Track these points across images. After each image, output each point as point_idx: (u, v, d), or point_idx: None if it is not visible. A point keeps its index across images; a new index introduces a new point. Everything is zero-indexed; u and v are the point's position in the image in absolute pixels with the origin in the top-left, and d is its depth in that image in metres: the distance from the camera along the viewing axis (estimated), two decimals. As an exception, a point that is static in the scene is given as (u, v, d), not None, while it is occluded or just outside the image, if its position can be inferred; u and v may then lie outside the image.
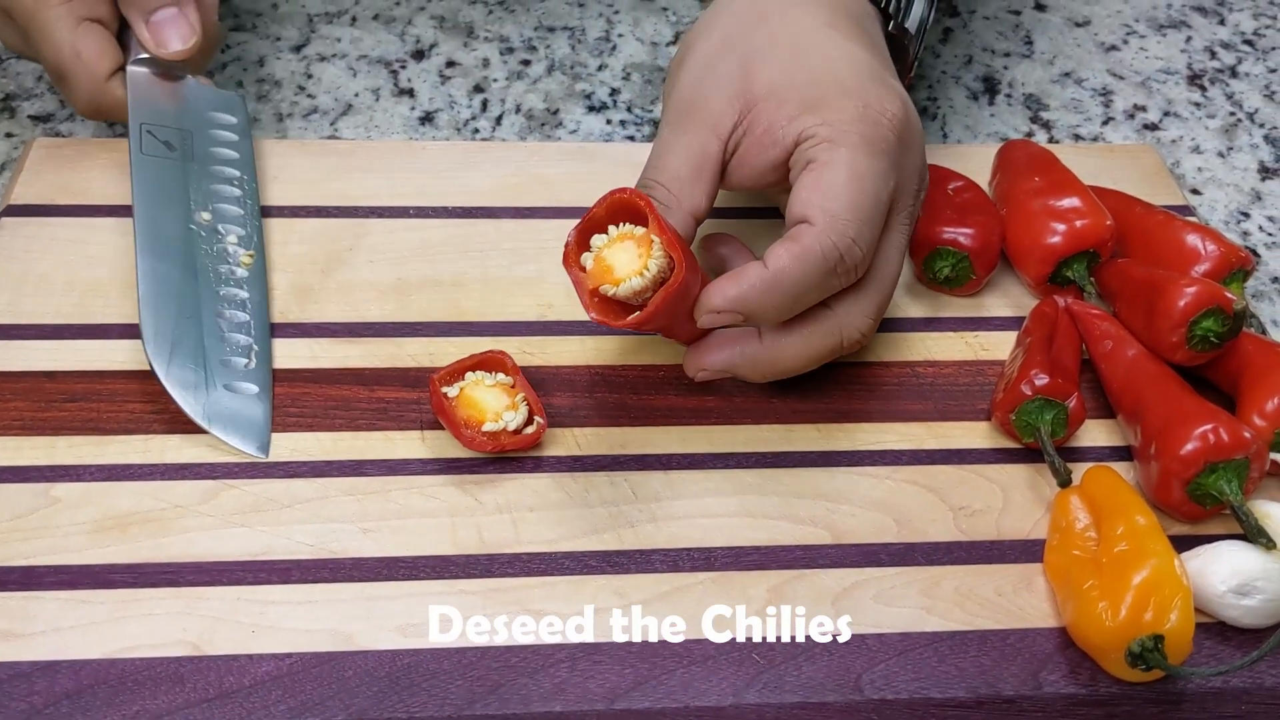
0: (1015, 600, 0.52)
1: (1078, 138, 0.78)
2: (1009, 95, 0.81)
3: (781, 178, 0.55)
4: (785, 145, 0.54)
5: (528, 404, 0.55)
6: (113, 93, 0.64)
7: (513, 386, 0.55)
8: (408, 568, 0.51)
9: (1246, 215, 0.74)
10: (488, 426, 0.54)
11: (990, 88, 0.81)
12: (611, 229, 0.51)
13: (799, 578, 0.52)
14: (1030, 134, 0.78)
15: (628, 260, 0.50)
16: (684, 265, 0.50)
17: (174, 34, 0.61)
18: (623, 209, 0.51)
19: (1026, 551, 0.53)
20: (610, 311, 0.51)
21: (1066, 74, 0.83)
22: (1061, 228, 0.60)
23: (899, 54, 0.63)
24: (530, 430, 0.54)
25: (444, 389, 0.55)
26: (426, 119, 0.75)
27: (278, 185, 0.66)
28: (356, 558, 0.51)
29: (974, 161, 0.68)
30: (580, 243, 0.53)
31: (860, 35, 0.58)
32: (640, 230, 0.51)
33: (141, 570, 0.50)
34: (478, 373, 0.55)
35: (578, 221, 0.53)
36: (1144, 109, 0.81)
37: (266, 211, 0.65)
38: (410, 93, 0.76)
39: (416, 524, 0.52)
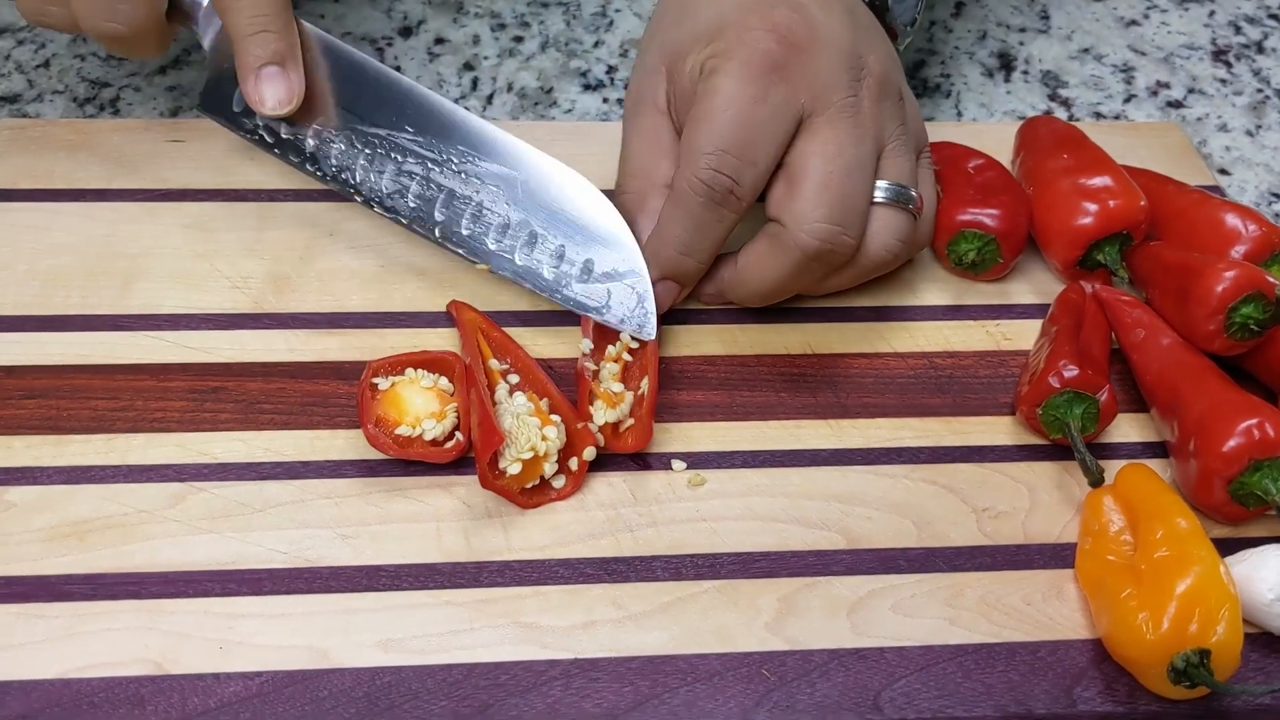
0: (1045, 610, 0.49)
1: (1099, 116, 0.75)
2: (1025, 72, 0.78)
3: None
4: (694, 88, 0.54)
5: (458, 417, 0.52)
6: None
7: (451, 395, 0.53)
8: (389, 577, 0.48)
9: (1278, 196, 0.70)
10: (401, 430, 0.51)
11: (1006, 64, 0.78)
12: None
13: (811, 586, 0.49)
14: (1049, 112, 0.75)
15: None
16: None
17: (270, 92, 0.57)
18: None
19: (1056, 556, 0.50)
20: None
21: (1085, 50, 0.80)
22: (1093, 208, 0.57)
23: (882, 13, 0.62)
24: (449, 445, 0.51)
25: (375, 379, 0.52)
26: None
27: (254, 167, 0.63)
28: (334, 567, 0.48)
29: (991, 141, 0.65)
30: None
31: None
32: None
33: (100, 581, 0.47)
34: (418, 371, 0.53)
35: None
36: (1167, 86, 0.77)
37: (242, 196, 0.62)
38: (397, 70, 0.71)
39: (399, 530, 0.50)
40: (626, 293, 0.54)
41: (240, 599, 0.47)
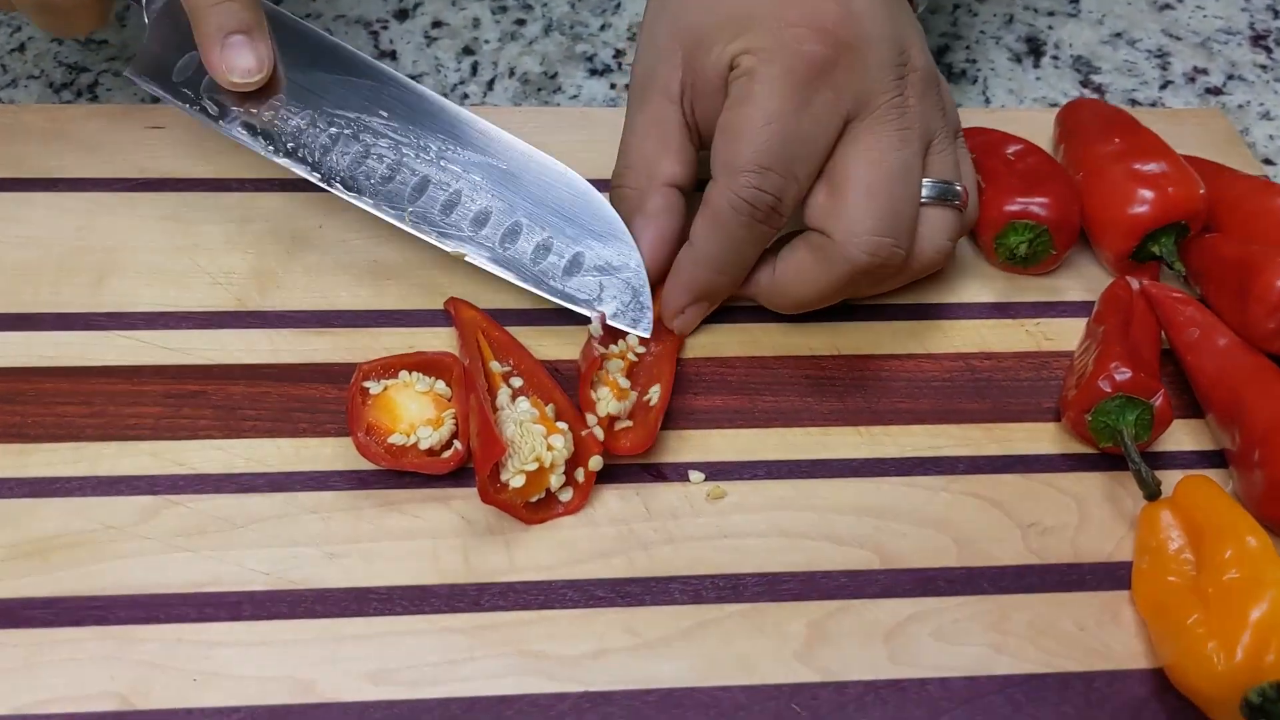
0: (1100, 636, 0.46)
1: (1134, 103, 0.72)
2: (1055, 57, 0.75)
3: None
4: (724, 83, 0.51)
5: (455, 424, 0.49)
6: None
7: (449, 400, 0.50)
8: (381, 600, 0.46)
9: (1327, 188, 0.67)
10: (394, 439, 0.49)
11: (1034, 49, 0.75)
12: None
13: (844, 610, 0.46)
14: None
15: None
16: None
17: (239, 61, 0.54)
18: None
19: (1110, 577, 0.48)
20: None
21: (1117, 34, 0.77)
22: (1149, 195, 0.54)
23: None
24: (446, 455, 0.49)
25: (366, 383, 0.50)
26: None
27: (238, 155, 0.60)
28: (320, 589, 0.46)
29: (1022, 128, 0.62)
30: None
31: None
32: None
33: (64, 605, 0.45)
34: (413, 374, 0.51)
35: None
36: (1205, 72, 0.74)
37: (225, 186, 0.59)
38: (393, 55, 0.70)
39: (392, 548, 0.47)
40: (620, 287, 0.52)
41: (217, 625, 0.44)
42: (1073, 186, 0.56)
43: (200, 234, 0.57)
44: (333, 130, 0.53)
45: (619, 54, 0.72)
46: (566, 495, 0.48)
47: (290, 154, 0.53)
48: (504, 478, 0.47)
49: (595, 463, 0.48)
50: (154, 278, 0.55)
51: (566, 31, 0.73)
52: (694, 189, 0.53)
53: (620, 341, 0.52)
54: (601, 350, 0.51)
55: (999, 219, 0.55)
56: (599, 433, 0.48)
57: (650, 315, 0.51)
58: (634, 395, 0.50)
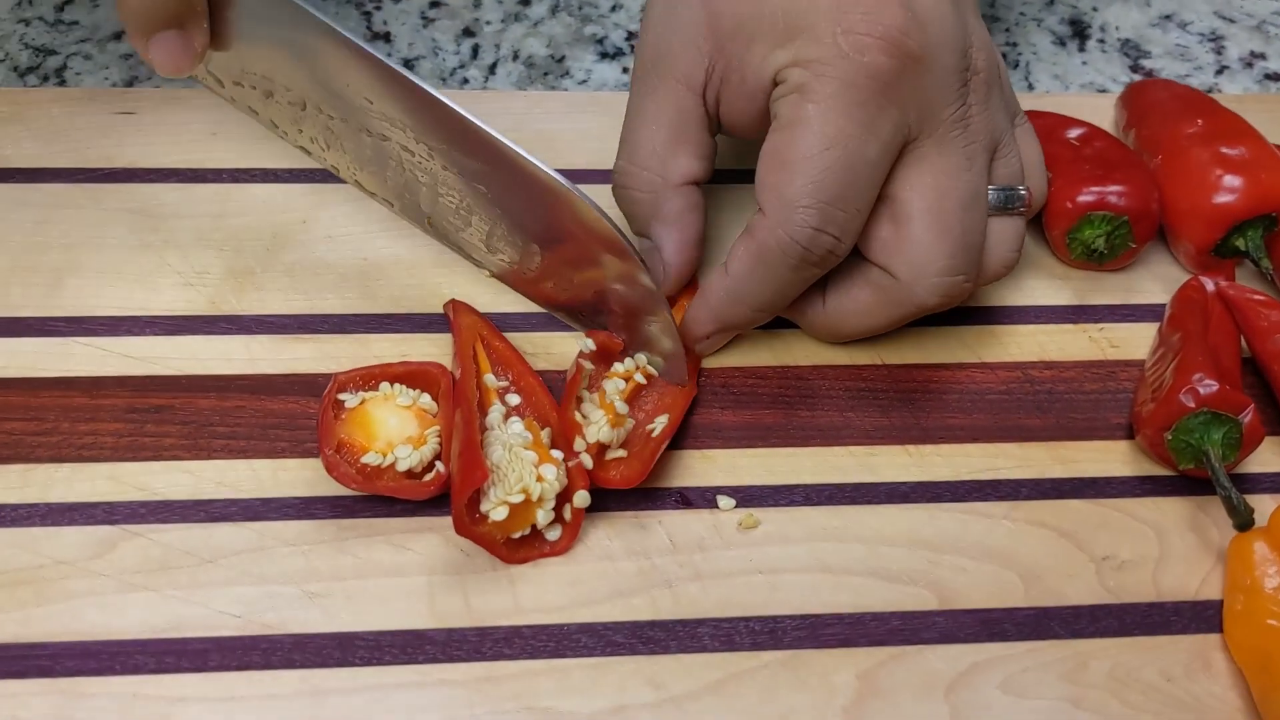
0: (1189, 687, 0.43)
1: (1189, 90, 0.68)
2: (1102, 40, 0.73)
3: None
4: (764, 91, 0.47)
5: (440, 444, 0.45)
6: None
7: (434, 416, 0.46)
8: (368, 648, 0.43)
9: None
10: (368, 458, 0.45)
11: (1079, 32, 0.73)
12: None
13: (898, 658, 0.43)
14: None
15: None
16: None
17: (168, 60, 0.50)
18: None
19: (1197, 618, 0.44)
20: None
21: (1167, 16, 0.75)
22: (1235, 183, 0.50)
23: None
24: (427, 478, 0.44)
25: (342, 395, 0.47)
26: (406, 68, 0.65)
27: (216, 143, 0.58)
28: (299, 634, 0.43)
29: (1071, 114, 0.59)
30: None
31: None
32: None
33: (3, 654, 0.42)
34: (394, 385, 0.47)
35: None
36: (1263, 57, 0.72)
37: (201, 176, 0.56)
38: (386, 37, 0.68)
39: (381, 586, 0.44)
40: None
41: (180, 677, 0.42)
42: (1149, 172, 0.53)
43: (170, 229, 0.55)
44: (338, 121, 0.49)
45: (630, 36, 0.69)
46: (554, 534, 0.44)
47: (292, 138, 0.50)
48: (484, 508, 0.43)
49: (581, 499, 0.44)
50: (118, 278, 0.53)
51: (575, 13, 0.70)
52: (711, 176, 0.50)
53: (628, 360, 0.48)
54: (590, 367, 0.47)
55: (1073, 211, 0.51)
56: (586, 460, 0.45)
57: (684, 364, 0.48)
58: (630, 423, 0.46)
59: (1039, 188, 0.50)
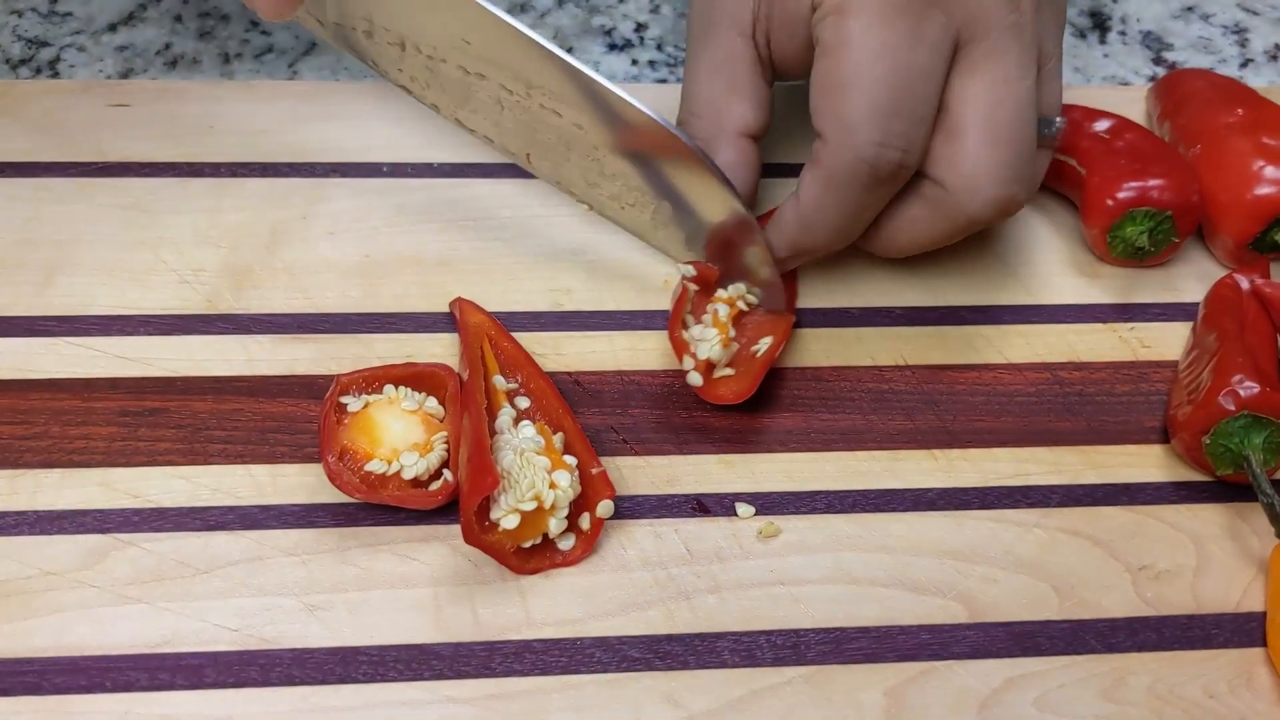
0: (1233, 704, 0.41)
1: (1214, 83, 0.66)
2: (1123, 32, 0.72)
3: None
4: (805, 19, 0.47)
5: (447, 450, 0.44)
6: None
7: (441, 421, 0.45)
8: (372, 663, 0.41)
9: None
10: (372, 465, 0.43)
11: (1099, 24, 0.72)
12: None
13: (927, 674, 0.41)
14: (1153, 77, 0.68)
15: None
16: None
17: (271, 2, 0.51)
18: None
19: (1239, 631, 0.43)
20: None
21: (1189, 8, 0.74)
22: (1277, 174, 0.49)
23: None
24: (434, 487, 0.43)
25: (344, 398, 0.45)
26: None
27: (213, 137, 0.57)
28: (299, 649, 0.41)
29: (1096, 107, 0.58)
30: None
31: None
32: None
33: None
34: (400, 389, 0.46)
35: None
36: None
37: (197, 170, 0.56)
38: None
39: (386, 598, 0.43)
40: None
41: (174, 694, 0.40)
42: (1186, 164, 0.51)
43: (166, 225, 0.54)
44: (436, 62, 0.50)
45: (640, 28, 0.68)
46: (567, 544, 0.43)
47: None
48: (494, 515, 0.41)
49: (605, 508, 0.43)
50: (111, 276, 0.52)
51: (582, 4, 0.70)
52: (767, 132, 0.50)
53: (730, 286, 0.49)
54: (695, 289, 0.49)
55: (1114, 209, 0.50)
56: (695, 378, 0.46)
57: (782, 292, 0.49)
58: (735, 346, 0.48)
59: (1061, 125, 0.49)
